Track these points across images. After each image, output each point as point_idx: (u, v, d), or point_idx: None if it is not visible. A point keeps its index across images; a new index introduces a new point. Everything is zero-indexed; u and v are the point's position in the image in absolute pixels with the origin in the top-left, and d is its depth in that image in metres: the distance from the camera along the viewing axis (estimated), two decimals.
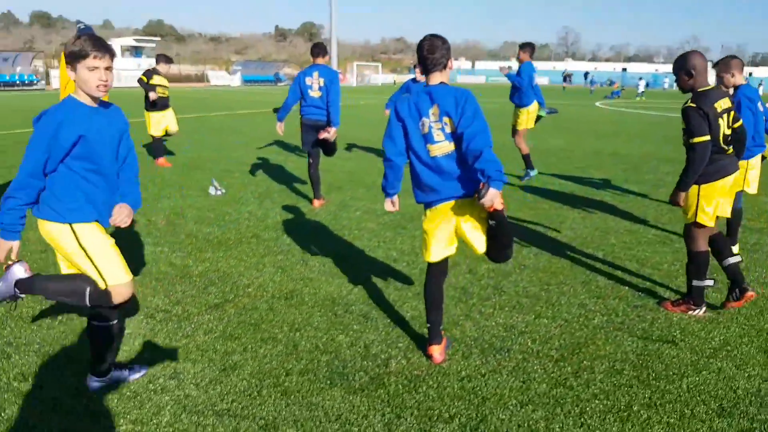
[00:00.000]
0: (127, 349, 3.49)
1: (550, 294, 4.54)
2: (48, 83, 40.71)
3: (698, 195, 4.02)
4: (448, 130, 3.18)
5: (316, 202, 7.22)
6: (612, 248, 5.73)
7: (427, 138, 3.21)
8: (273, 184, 8.61)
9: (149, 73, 9.76)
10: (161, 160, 9.96)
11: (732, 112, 4.04)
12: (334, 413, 2.91)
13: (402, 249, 5.56)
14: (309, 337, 3.70)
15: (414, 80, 10.08)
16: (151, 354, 3.44)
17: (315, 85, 6.79)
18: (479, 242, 3.33)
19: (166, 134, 10.11)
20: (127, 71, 44.03)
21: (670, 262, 5.37)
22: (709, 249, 4.22)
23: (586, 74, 69.13)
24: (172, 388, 3.09)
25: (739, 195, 5.63)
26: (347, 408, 2.95)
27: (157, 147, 9.98)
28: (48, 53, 50.57)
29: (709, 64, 4.17)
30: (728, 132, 4.03)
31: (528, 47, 8.93)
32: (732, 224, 5.64)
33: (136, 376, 3.15)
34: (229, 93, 41.61)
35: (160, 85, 9.73)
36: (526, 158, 9.27)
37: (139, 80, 9.81)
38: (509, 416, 2.94)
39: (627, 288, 4.69)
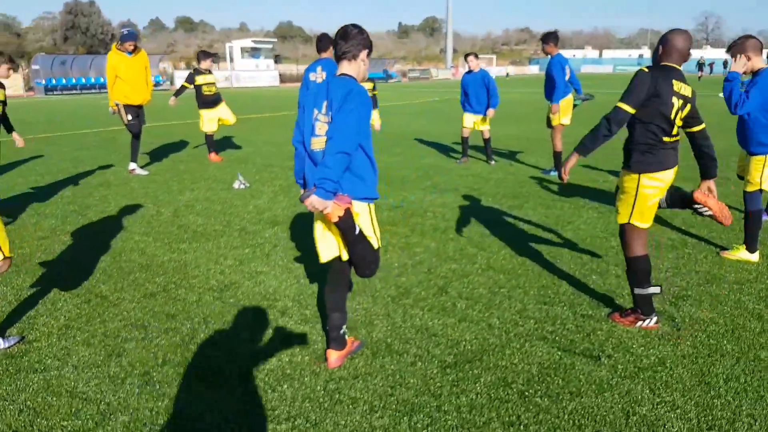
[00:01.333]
0: (41, 324, 3.74)
1: (495, 297, 4.25)
2: (172, 83, 44.17)
3: (638, 187, 3.56)
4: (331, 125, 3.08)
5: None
6: (609, 252, 5.24)
7: (312, 129, 3.11)
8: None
9: (191, 76, 10.26)
10: (212, 156, 10.50)
11: (689, 105, 3.55)
12: (179, 406, 2.94)
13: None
14: (211, 331, 3.75)
15: (469, 72, 9.76)
16: (60, 334, 3.67)
17: (318, 79, 6.81)
18: (343, 250, 3.21)
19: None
20: (246, 72, 46.79)
21: (665, 269, 4.81)
22: (647, 252, 3.74)
23: (725, 63, 63.00)
24: (52, 367, 3.28)
25: (758, 196, 4.92)
26: (193, 402, 2.97)
27: (208, 143, 10.53)
28: (184, 56, 55.18)
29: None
30: (679, 122, 3.55)
31: (551, 38, 8.44)
32: (750, 229, 4.95)
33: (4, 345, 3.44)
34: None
35: (205, 84, 10.21)
36: (555, 156, 8.78)
37: (183, 86, 10.34)
38: (347, 422, 2.80)
39: (589, 296, 4.27)
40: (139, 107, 8.90)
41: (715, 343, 3.56)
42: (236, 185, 8.05)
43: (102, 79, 38.65)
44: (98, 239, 5.64)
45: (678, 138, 3.62)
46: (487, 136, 9.83)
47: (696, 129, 3.68)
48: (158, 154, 11.17)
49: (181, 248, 5.38)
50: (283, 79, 56.05)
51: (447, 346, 3.53)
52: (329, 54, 6.87)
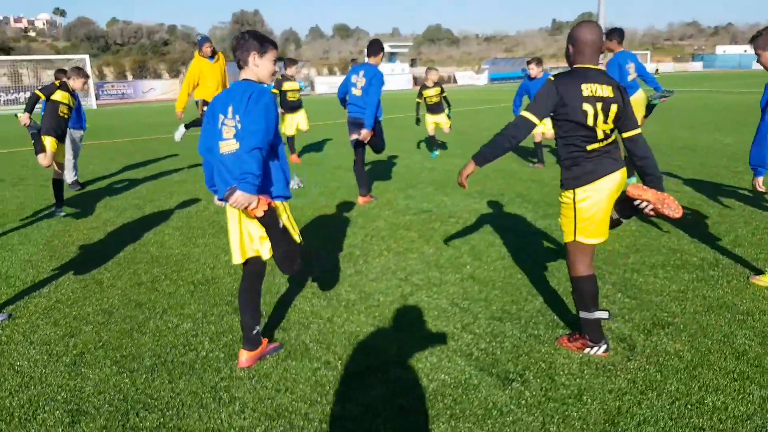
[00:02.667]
0: (33, 304, 4.26)
1: (451, 309, 4.08)
2: (313, 89, 46.65)
3: (574, 202, 3.24)
4: (239, 128, 3.20)
5: (361, 199, 7.35)
6: (615, 271, 4.76)
7: (219, 134, 3.24)
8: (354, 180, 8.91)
9: (279, 82, 10.85)
10: (293, 157, 11.04)
11: (614, 105, 3.16)
12: (88, 386, 3.22)
13: (371, 254, 5.46)
14: (161, 321, 4.02)
15: (530, 78, 9.38)
16: (41, 313, 4.16)
17: (359, 83, 6.93)
18: (263, 248, 3.29)
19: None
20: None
21: (668, 292, 4.29)
22: (594, 273, 3.37)
23: None
24: (12, 341, 3.74)
25: None
26: (100, 382, 3.24)
27: (290, 144, 11.10)
28: (337, 62, 57.97)
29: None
30: (605, 126, 3.17)
31: (614, 34, 7.84)
32: None
33: None
34: (463, 93, 42.62)
35: (290, 90, 10.77)
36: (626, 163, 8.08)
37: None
38: (211, 419, 2.89)
39: (557, 316, 3.95)
40: None
41: (660, 380, 3.13)
42: (291, 185, 8.40)
43: None
44: (134, 231, 6.24)
45: (609, 142, 3.23)
46: (538, 139, 9.43)
47: (626, 135, 3.25)
48: None
49: (196, 242, 5.78)
50: (418, 82, 56.80)
51: (364, 355, 3.48)
52: (375, 60, 6.96)
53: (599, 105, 3.12)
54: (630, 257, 5.06)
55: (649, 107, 7.91)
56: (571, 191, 3.24)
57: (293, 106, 10.90)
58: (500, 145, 3.23)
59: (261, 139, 2.93)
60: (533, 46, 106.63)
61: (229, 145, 3.17)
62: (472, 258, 5.13)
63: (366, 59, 7.11)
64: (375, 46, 6.99)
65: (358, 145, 7.19)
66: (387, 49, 57.20)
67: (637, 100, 7.91)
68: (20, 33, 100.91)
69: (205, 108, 9.36)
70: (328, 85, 46.59)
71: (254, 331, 3.38)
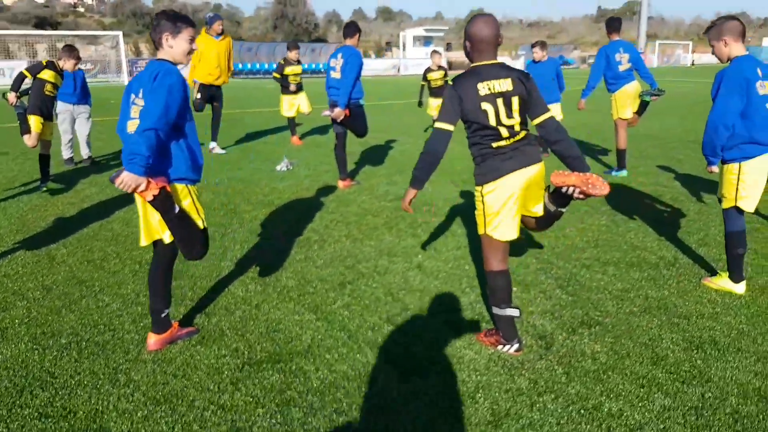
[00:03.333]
0: None
1: (384, 299, 4.03)
2: None
3: (482, 198, 3.15)
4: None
5: (341, 184, 7.30)
6: (562, 265, 4.63)
7: (128, 114, 3.13)
8: (349, 163, 8.83)
9: (281, 66, 10.84)
10: (294, 139, 11.04)
11: (515, 98, 3.04)
12: None
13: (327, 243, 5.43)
14: (98, 299, 4.06)
15: (533, 61, 9.12)
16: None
17: (337, 66, 6.86)
18: (165, 232, 3.27)
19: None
20: (413, 60, 47.64)
21: (611, 290, 4.14)
22: (507, 269, 3.26)
23: None
24: None
25: (734, 214, 3.99)
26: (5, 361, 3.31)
27: (291, 126, 11.11)
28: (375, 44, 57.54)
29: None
30: (510, 121, 3.04)
31: (610, 23, 7.73)
32: (729, 253, 4.04)
33: None
34: None
35: (292, 74, 10.76)
36: (618, 153, 7.87)
37: (274, 77, 11.02)
38: (98, 401, 2.92)
39: (487, 309, 3.86)
40: (218, 89, 9.67)
41: (564, 382, 3.03)
42: (278, 167, 8.42)
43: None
44: (106, 208, 6.34)
45: (518, 138, 3.10)
46: None
47: (536, 122, 3.13)
48: (252, 135, 12.04)
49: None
50: (453, 66, 56.02)
51: (274, 343, 3.46)
52: (353, 41, 6.87)
53: (500, 101, 3.03)
54: (586, 252, 4.90)
55: (643, 104, 7.60)
56: (479, 187, 3.16)
57: (295, 89, 10.88)
58: (427, 162, 3.18)
59: (156, 120, 2.90)
60: (576, 33, 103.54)
61: (134, 125, 3.12)
62: (428, 247, 5.05)
63: (344, 41, 7.01)
64: (351, 28, 6.94)
65: (340, 128, 7.13)
66: (422, 33, 56.45)
67: (628, 92, 7.67)
68: (69, 8, 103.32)
69: (198, 95, 9.42)
70: (365, 69, 46.40)
71: (163, 315, 3.38)
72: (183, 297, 4.10)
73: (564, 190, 3.09)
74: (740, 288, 4.09)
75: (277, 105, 11.39)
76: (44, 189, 7.09)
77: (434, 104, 11.00)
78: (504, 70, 3.07)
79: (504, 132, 3.06)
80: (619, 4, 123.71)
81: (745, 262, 4.59)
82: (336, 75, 6.87)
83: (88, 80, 8.98)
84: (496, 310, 3.28)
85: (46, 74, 6.91)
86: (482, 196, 3.14)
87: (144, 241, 3.31)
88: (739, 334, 3.52)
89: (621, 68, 7.69)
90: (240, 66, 40.51)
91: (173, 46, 3.16)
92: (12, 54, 37.11)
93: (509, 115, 3.04)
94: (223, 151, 9.94)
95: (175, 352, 3.38)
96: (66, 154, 8.83)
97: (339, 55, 6.86)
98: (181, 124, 3.11)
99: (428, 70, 10.99)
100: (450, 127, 3.09)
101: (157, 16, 3.16)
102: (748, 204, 3.94)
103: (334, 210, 6.27)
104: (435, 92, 10.92)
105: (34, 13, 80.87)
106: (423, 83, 11.11)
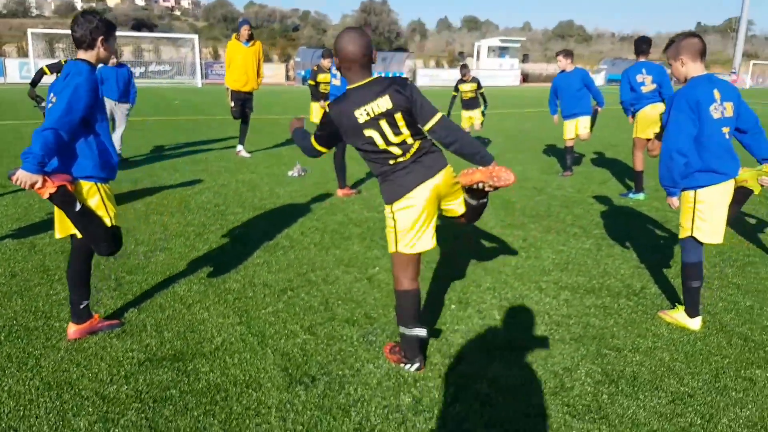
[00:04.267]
0: None
1: (310, 309, 4.02)
2: (414, 80, 46.81)
3: (393, 216, 3.07)
4: None
5: (340, 192, 7.35)
6: (517, 287, 4.46)
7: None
8: (359, 173, 8.87)
9: (314, 73, 11.03)
10: None
11: (397, 114, 2.93)
12: None
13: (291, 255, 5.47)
14: (51, 286, 4.28)
15: (563, 72, 8.84)
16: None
17: (338, 74, 6.96)
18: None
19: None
20: (487, 71, 47.13)
21: (544, 314, 3.95)
22: (417, 288, 3.19)
23: None
24: None
25: (691, 243, 3.73)
26: None
27: None
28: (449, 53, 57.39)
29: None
30: (399, 138, 2.97)
31: (639, 44, 7.62)
32: (685, 287, 3.78)
33: None
34: None
35: (323, 82, 10.93)
36: (635, 175, 7.55)
37: (308, 84, 11.21)
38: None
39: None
40: (248, 94, 9.97)
41: (447, 404, 2.93)
42: (290, 172, 8.58)
43: None
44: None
45: (413, 151, 3.02)
46: (571, 144, 8.78)
47: (426, 128, 3.04)
48: (287, 140, 12.32)
49: (148, 219, 6.07)
50: (529, 78, 55.06)
51: (183, 342, 3.53)
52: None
53: (383, 123, 2.94)
54: (550, 275, 4.71)
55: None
56: (389, 206, 3.09)
57: (324, 96, 11.05)
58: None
59: (58, 119, 3.02)
60: None
61: None
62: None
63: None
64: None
65: None
66: (497, 43, 55.73)
67: (648, 114, 7.30)
68: (166, 11, 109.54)
69: (232, 103, 9.75)
70: (430, 77, 46.45)
71: (81, 306, 3.52)
72: (131, 291, 4.25)
73: (474, 187, 3.06)
74: (695, 323, 3.80)
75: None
76: None
77: (465, 116, 10.91)
78: (379, 86, 2.95)
79: (396, 150, 2.99)
80: (720, 20, 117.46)
81: (717, 296, 4.31)
82: (336, 82, 6.96)
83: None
84: (402, 329, 3.20)
85: None
86: (393, 213, 3.07)
87: (58, 234, 3.46)
88: (666, 372, 3.27)
89: (644, 89, 7.39)
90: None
91: (106, 50, 3.31)
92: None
93: (397, 133, 2.96)
94: (249, 155, 10.23)
95: (92, 342, 3.51)
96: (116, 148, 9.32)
97: (338, 74, 6.96)
98: (91, 122, 3.22)
99: (460, 81, 10.92)
100: (322, 149, 3.16)
101: (93, 17, 3.26)
102: (705, 235, 3.65)
103: (319, 218, 6.32)
104: (466, 104, 10.84)
105: (133, 16, 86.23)
106: (454, 94, 11.05)
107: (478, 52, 51.88)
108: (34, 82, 7.32)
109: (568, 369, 3.28)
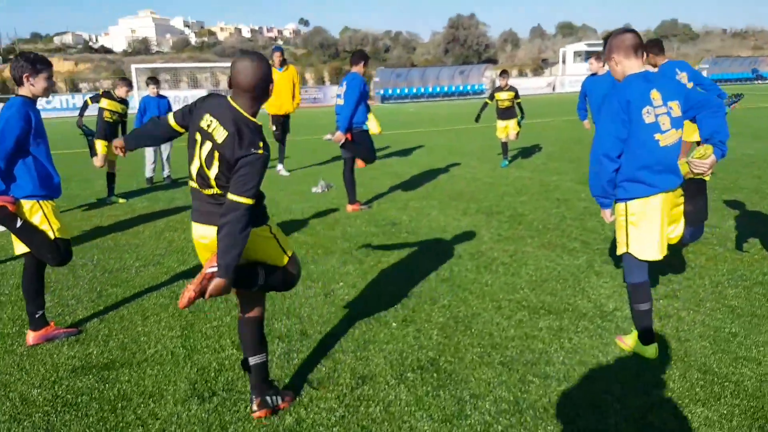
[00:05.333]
0: None
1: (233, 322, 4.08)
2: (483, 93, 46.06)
3: (274, 234, 2.97)
4: None
5: (349, 207, 7.40)
6: (475, 317, 4.29)
7: None
8: (384, 186, 8.88)
9: None
10: (358, 162, 11.32)
11: (218, 154, 2.62)
12: None
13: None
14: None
15: (594, 75, 8.43)
16: None
17: (341, 92, 7.05)
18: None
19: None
20: (575, 76, 45.40)
21: (492, 335, 3.77)
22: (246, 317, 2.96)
23: None
24: None
25: (630, 261, 3.42)
26: None
27: None
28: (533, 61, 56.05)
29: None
30: (206, 171, 2.67)
31: (651, 46, 6.99)
32: (632, 310, 3.50)
33: None
34: None
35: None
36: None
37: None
38: None
39: (318, 345, 3.75)
40: (285, 117, 10.32)
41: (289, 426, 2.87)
42: (314, 189, 8.75)
43: (430, 89, 42.88)
44: (125, 221, 7.14)
45: (208, 192, 2.71)
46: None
47: (227, 196, 2.60)
48: (333, 158, 12.56)
49: (166, 236, 6.44)
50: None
51: (124, 352, 3.71)
52: (358, 69, 7.03)
53: (205, 145, 2.66)
54: (516, 293, 4.49)
55: None
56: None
57: None
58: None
59: None
60: None
61: None
62: (356, 276, 4.98)
63: (351, 68, 7.19)
64: (356, 56, 7.20)
65: (346, 153, 7.29)
66: (583, 48, 53.50)
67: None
68: (269, 42, 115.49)
69: (272, 126, 10.14)
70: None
71: (37, 315, 3.83)
72: (107, 302, 4.53)
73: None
74: (649, 351, 3.47)
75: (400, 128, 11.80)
76: (110, 202, 8.18)
77: (501, 125, 10.64)
78: (234, 121, 2.63)
79: (194, 176, 2.75)
80: None
81: (701, 319, 3.93)
82: (340, 102, 7.05)
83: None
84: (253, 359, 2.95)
85: (104, 103, 8.03)
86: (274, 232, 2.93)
87: (17, 251, 3.78)
88: (589, 406, 3.01)
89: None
90: (390, 92, 41.58)
91: (34, 85, 3.62)
92: (199, 84, 42.38)
93: (208, 166, 2.66)
94: (288, 174, 10.53)
95: (45, 348, 3.79)
96: (147, 173, 9.99)
97: (344, 83, 7.04)
98: (26, 147, 3.53)
99: (497, 89, 10.68)
100: (172, 121, 2.97)
101: (18, 58, 3.61)
102: (642, 251, 3.32)
103: (316, 233, 6.39)
104: (502, 113, 10.56)
105: (238, 46, 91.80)
106: (488, 101, 10.83)
107: (564, 58, 50.22)
108: (81, 113, 8.06)
109: (476, 395, 3.11)
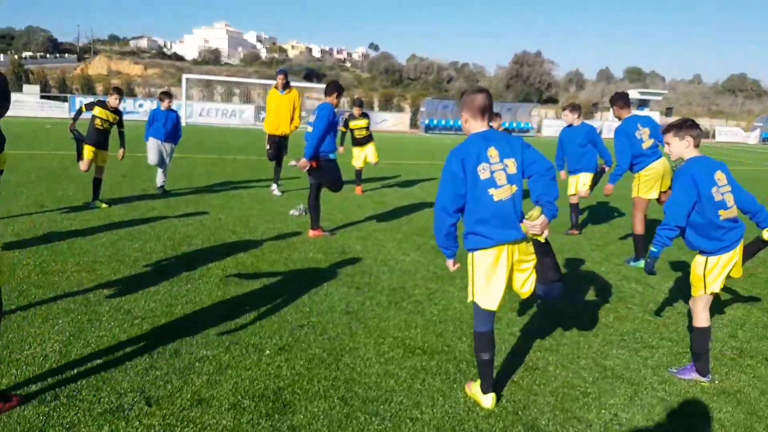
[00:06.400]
0: None
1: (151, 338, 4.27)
2: (539, 131, 45.60)
3: None
4: None
5: (311, 232, 7.56)
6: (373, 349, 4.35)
7: None
8: (362, 215, 9.00)
9: (345, 121, 11.55)
10: (358, 189, 11.53)
11: None
12: None
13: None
14: None
15: (570, 126, 8.42)
16: None
17: (313, 121, 7.28)
18: None
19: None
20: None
21: (358, 375, 3.82)
22: None
23: None
24: None
25: (479, 311, 3.44)
26: None
27: (357, 177, 11.66)
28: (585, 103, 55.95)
29: None
30: None
31: (616, 100, 7.24)
32: (475, 357, 3.52)
33: None
34: (712, 150, 37.39)
35: (356, 128, 11.45)
36: (635, 239, 7.04)
37: (341, 130, 11.64)
38: None
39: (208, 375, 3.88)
40: (282, 138, 10.62)
41: None
42: (292, 212, 8.96)
43: None
44: (106, 228, 7.50)
45: None
46: (575, 201, 8.28)
47: None
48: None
49: (123, 245, 6.74)
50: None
51: (7, 351, 3.94)
52: (330, 99, 7.27)
53: None
54: (410, 331, 4.49)
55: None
56: None
57: (361, 141, 11.48)
58: None
59: None
60: None
61: None
62: (265, 300, 5.10)
63: (325, 98, 7.43)
64: (329, 87, 7.45)
65: (313, 180, 7.49)
66: (636, 95, 52.49)
67: (657, 170, 6.77)
68: (337, 63, 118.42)
69: (266, 144, 10.49)
70: (555, 128, 44.94)
71: None
72: (22, 301, 4.81)
73: None
74: (486, 401, 3.48)
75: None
76: (93, 206, 8.60)
77: None
78: None
79: None
80: None
81: (563, 376, 3.90)
82: (310, 129, 7.27)
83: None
84: None
85: (97, 111, 8.53)
86: None
87: None
88: None
89: (644, 146, 6.87)
90: (435, 122, 41.63)
91: None
92: (252, 99, 43.74)
93: None
94: (280, 194, 10.78)
95: None
96: (159, 181, 10.43)
97: (315, 112, 7.28)
98: None
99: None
100: None
101: None
102: (483, 300, 3.39)
103: (264, 257, 6.50)
104: None
105: (306, 65, 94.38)
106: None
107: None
108: (75, 118, 8.58)
109: (292, 427, 3.17)
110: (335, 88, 7.37)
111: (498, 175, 3.30)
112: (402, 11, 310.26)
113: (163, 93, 10.67)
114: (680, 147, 3.99)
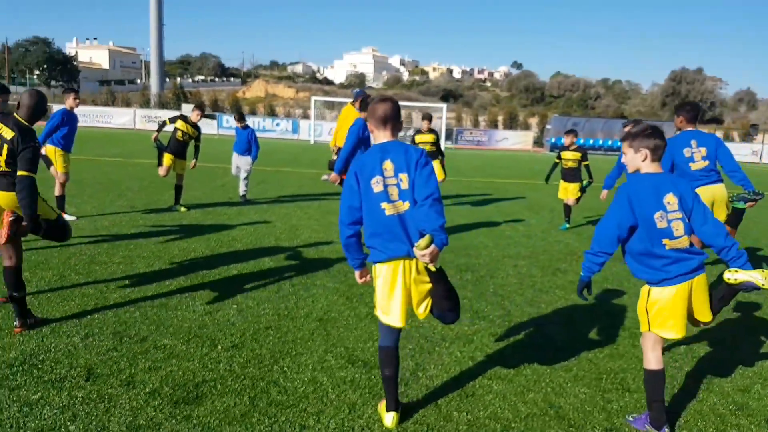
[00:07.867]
0: None
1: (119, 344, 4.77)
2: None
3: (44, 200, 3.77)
4: None
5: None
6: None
7: None
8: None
9: (412, 137, 11.62)
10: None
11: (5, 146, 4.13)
12: None
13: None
14: None
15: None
16: None
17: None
18: None
19: None
20: None
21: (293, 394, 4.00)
22: None
23: None
24: None
25: (383, 327, 3.46)
26: None
27: None
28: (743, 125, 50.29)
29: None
30: None
31: (681, 110, 6.27)
32: (381, 373, 3.52)
33: None
34: (755, 172, 31.79)
35: (421, 142, 11.48)
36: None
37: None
38: None
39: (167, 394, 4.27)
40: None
41: None
42: (324, 177, 9.19)
43: (600, 141, 40.01)
44: (158, 231, 8.34)
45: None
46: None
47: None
48: None
49: (136, 252, 7.49)
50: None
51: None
52: (363, 114, 7.55)
53: None
54: (350, 340, 4.54)
55: (736, 212, 5.93)
56: None
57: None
58: None
59: None
60: None
61: None
62: (254, 298, 5.41)
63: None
64: (365, 102, 7.60)
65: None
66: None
67: (702, 197, 5.98)
68: (476, 83, 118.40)
69: (334, 156, 10.96)
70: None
71: None
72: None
73: None
74: (387, 419, 3.44)
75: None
76: (174, 209, 9.61)
77: (562, 186, 10.27)
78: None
79: None
80: None
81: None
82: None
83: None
84: None
85: (179, 124, 9.54)
86: None
87: None
88: None
89: (693, 166, 6.02)
90: (562, 140, 39.70)
91: None
92: None
93: None
94: None
95: None
96: (241, 190, 11.37)
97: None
98: None
99: (563, 148, 10.30)
100: None
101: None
102: (384, 315, 3.36)
103: (283, 263, 6.89)
104: (566, 174, 10.13)
105: (444, 86, 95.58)
106: (556, 161, 10.49)
107: None
108: (158, 129, 9.62)
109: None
110: (365, 102, 7.60)
111: (391, 189, 3.25)
112: (546, 29, 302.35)
113: (238, 114, 11.58)
114: (635, 160, 3.46)
